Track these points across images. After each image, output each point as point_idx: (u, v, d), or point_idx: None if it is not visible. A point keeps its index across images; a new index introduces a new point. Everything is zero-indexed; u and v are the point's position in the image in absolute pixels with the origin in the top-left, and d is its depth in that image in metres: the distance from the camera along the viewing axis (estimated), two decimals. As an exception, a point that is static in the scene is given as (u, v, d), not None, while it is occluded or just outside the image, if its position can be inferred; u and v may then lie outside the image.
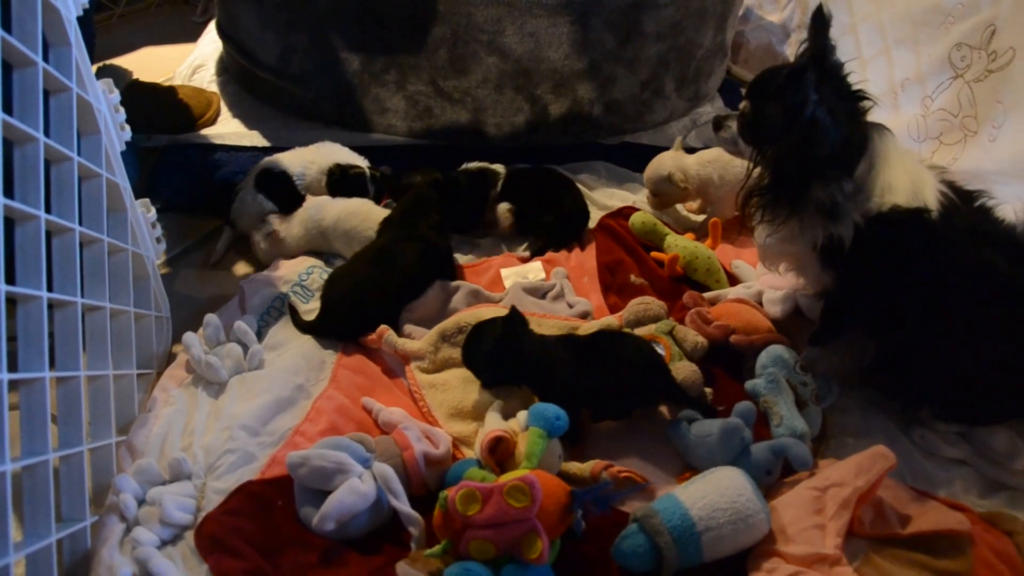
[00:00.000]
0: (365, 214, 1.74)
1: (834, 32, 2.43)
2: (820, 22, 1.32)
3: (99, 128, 1.30)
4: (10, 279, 1.04)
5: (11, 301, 1.02)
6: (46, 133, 1.11)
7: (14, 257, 1.06)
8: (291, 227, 1.77)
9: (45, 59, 1.12)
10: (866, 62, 2.29)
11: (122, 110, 1.38)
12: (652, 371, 1.37)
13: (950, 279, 1.31)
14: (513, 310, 1.41)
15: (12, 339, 1.05)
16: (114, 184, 1.35)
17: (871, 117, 1.35)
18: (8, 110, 1.03)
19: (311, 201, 1.79)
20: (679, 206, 2.02)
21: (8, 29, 1.02)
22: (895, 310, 1.39)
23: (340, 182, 1.82)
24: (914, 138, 2.00)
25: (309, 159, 1.88)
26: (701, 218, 1.99)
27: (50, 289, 1.12)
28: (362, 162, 1.90)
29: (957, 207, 1.31)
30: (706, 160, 1.91)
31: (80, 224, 1.22)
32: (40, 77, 1.10)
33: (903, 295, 1.36)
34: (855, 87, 1.35)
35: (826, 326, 1.50)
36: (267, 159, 1.90)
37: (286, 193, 1.84)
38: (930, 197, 1.30)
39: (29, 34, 1.08)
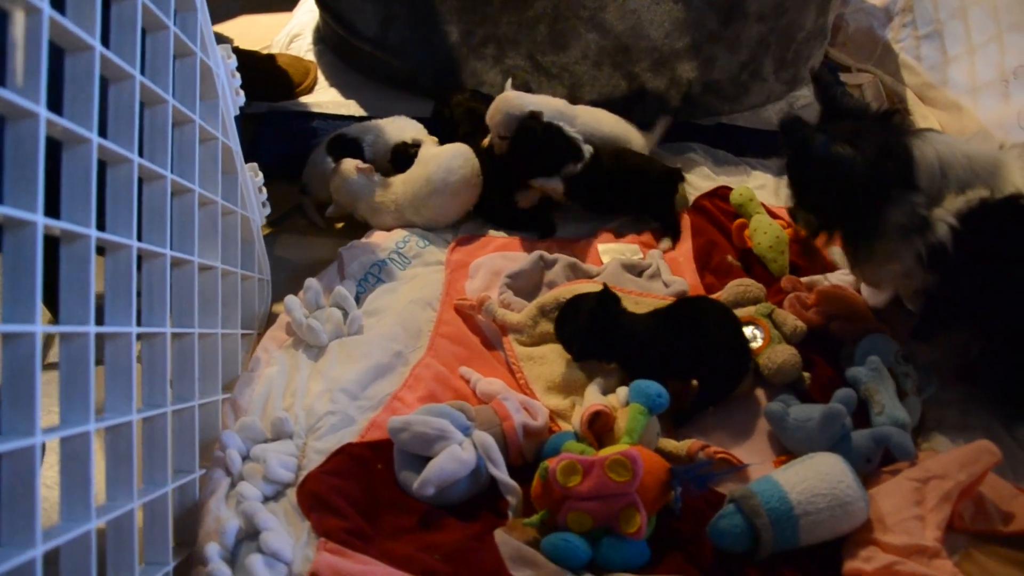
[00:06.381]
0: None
1: (943, 15, 2.37)
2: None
3: (218, 93, 1.33)
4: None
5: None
6: (172, 95, 1.15)
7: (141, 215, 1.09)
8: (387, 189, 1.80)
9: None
10: (975, 49, 2.23)
11: (238, 76, 1.41)
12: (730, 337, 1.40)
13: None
14: (605, 287, 1.42)
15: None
16: (228, 148, 1.39)
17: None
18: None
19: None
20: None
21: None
22: (1001, 304, 1.36)
23: (403, 159, 1.84)
24: (1024, 128, 1.95)
25: (381, 129, 1.92)
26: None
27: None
28: (430, 140, 1.91)
29: None
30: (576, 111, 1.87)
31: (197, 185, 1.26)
32: (171, 41, 1.13)
33: (1009, 288, 1.33)
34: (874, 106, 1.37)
35: (929, 322, 1.47)
36: (344, 128, 1.94)
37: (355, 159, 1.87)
38: (1020, 180, 1.27)
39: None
